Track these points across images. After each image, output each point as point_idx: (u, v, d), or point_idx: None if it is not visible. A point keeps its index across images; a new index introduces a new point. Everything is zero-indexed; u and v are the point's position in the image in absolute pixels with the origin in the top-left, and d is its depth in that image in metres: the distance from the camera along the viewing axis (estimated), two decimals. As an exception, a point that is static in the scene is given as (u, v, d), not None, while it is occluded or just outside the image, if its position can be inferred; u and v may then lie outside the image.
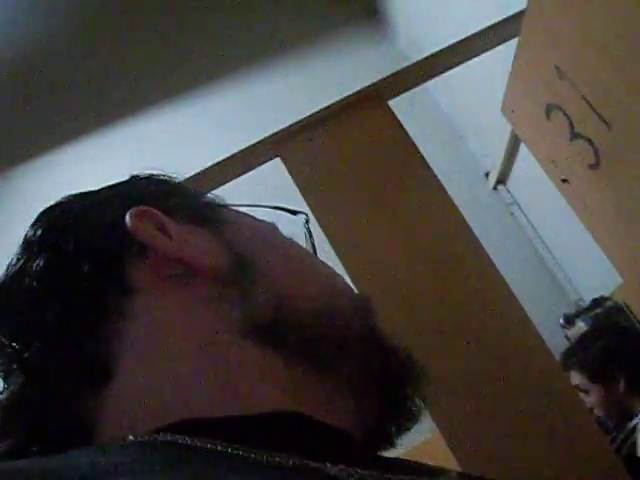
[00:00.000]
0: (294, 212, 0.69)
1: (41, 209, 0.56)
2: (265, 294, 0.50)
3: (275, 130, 1.52)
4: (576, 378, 2.20)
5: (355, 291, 0.59)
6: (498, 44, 1.75)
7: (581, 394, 2.17)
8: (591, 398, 2.16)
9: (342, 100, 1.52)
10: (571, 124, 1.31)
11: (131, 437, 0.39)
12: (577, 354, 2.25)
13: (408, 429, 0.56)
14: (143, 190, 0.56)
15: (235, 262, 0.51)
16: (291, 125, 1.51)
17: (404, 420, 0.54)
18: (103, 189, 0.58)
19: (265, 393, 0.45)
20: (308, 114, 1.52)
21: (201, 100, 3.51)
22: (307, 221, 0.70)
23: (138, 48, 3.41)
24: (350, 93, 1.53)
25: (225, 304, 0.48)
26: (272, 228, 0.61)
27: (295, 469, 0.36)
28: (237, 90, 3.51)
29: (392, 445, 0.55)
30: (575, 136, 1.32)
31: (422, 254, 1.38)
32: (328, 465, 0.37)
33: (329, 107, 1.52)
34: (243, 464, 0.35)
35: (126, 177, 0.60)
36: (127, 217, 0.50)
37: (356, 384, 0.50)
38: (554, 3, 1.24)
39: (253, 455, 0.36)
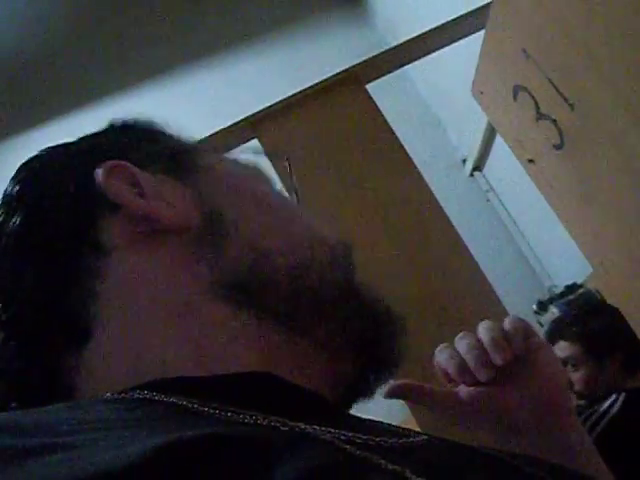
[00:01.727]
0: (276, 158, 0.68)
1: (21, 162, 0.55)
2: (239, 251, 0.48)
3: (253, 111, 1.52)
4: (568, 349, 2.15)
5: (334, 238, 0.55)
6: (476, 31, 1.76)
7: (566, 367, 2.13)
8: (578, 373, 2.12)
9: (321, 82, 1.52)
10: (537, 105, 1.33)
11: (108, 394, 0.39)
12: (575, 325, 2.19)
13: (386, 380, 0.55)
14: (119, 140, 0.54)
15: (208, 217, 0.49)
16: (269, 106, 1.52)
17: (383, 373, 0.53)
18: (82, 140, 0.56)
19: (237, 354, 0.44)
20: (287, 96, 1.52)
21: (180, 80, 3.49)
22: (289, 164, 0.68)
23: (114, 31, 3.38)
24: (329, 76, 1.54)
25: (198, 262, 0.47)
26: (254, 172, 0.58)
27: (263, 428, 0.36)
28: (216, 71, 3.49)
29: (369, 396, 0.54)
30: (540, 117, 1.34)
31: (396, 236, 1.40)
32: (301, 425, 0.37)
33: (308, 89, 1.52)
34: (216, 422, 0.36)
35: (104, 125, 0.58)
36: (98, 174, 0.48)
37: (333, 343, 0.49)
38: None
39: (224, 413, 0.36)
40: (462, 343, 0.64)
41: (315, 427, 0.37)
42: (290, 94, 1.53)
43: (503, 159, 3.14)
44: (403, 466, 0.35)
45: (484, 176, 3.53)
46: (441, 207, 1.48)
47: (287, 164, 0.67)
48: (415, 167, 1.51)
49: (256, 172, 0.58)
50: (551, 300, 2.96)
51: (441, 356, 0.65)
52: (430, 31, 1.64)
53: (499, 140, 3.14)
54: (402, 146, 1.52)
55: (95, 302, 0.46)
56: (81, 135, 0.57)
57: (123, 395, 0.38)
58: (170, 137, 0.57)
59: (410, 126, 2.89)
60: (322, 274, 0.50)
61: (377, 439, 0.40)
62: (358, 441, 0.38)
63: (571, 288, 2.90)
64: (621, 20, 1.03)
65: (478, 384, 0.63)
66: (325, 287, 0.49)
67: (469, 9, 1.74)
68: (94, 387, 0.43)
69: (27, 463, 0.27)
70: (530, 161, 1.47)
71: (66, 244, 0.47)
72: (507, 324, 0.64)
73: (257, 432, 0.35)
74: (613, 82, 1.09)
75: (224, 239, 0.49)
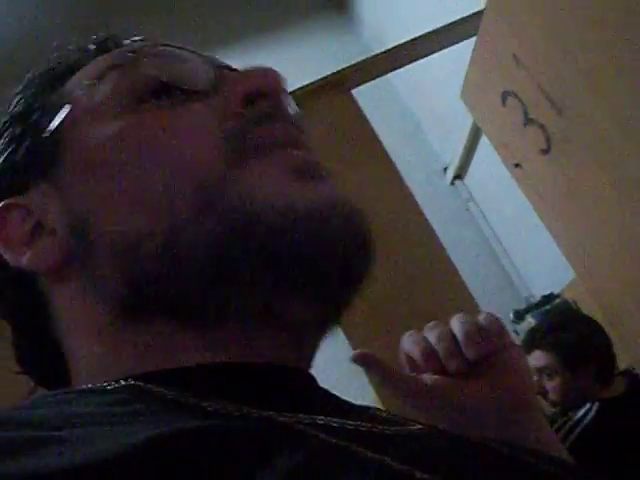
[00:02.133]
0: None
1: None
2: (108, 262, 0.41)
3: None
4: (543, 359, 2.12)
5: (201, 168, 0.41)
6: (460, 41, 1.77)
7: (542, 376, 2.14)
8: (553, 382, 2.13)
9: (307, 86, 1.53)
10: (525, 110, 1.34)
11: (90, 385, 0.39)
12: (550, 335, 2.19)
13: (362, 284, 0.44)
14: None
15: (75, 233, 0.43)
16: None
17: (352, 285, 0.44)
18: None
19: (181, 362, 0.40)
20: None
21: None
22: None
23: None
24: (315, 80, 1.54)
25: (85, 296, 0.42)
26: (117, 89, 0.44)
27: (238, 419, 0.35)
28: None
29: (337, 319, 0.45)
30: (528, 122, 1.35)
31: (376, 241, 1.40)
32: (275, 414, 0.35)
33: (293, 92, 1.52)
34: (193, 414, 0.35)
35: None
36: None
37: (270, 310, 0.40)
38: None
39: (203, 404, 0.35)
40: (434, 332, 0.61)
41: (289, 415, 0.36)
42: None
43: (484, 168, 3.17)
44: (385, 454, 0.33)
45: (465, 185, 3.55)
46: (423, 214, 1.49)
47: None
48: (398, 173, 1.52)
49: (121, 89, 0.44)
50: (528, 310, 2.99)
51: (409, 341, 0.63)
52: (417, 38, 1.65)
53: (481, 149, 3.17)
54: (386, 152, 1.53)
55: (58, 342, 0.46)
56: None
57: (106, 386, 0.38)
58: (32, 131, 0.46)
59: (392, 133, 2.90)
60: (198, 234, 0.39)
61: (357, 424, 0.38)
62: (334, 425, 0.37)
63: (548, 298, 2.93)
64: (610, 28, 1.05)
65: (443, 373, 0.61)
66: (215, 250, 0.39)
67: (454, 18, 1.76)
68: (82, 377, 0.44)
69: (18, 457, 0.27)
70: (517, 165, 1.48)
71: (15, 304, 0.48)
72: (483, 320, 0.62)
73: (233, 425, 0.34)
74: (601, 89, 1.11)
75: (95, 252, 0.41)
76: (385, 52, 1.65)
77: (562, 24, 1.15)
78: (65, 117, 0.45)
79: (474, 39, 1.69)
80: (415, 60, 1.71)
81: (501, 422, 0.59)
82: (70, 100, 0.46)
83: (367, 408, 0.47)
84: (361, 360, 0.62)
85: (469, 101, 1.62)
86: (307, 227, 0.39)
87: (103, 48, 0.49)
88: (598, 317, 1.99)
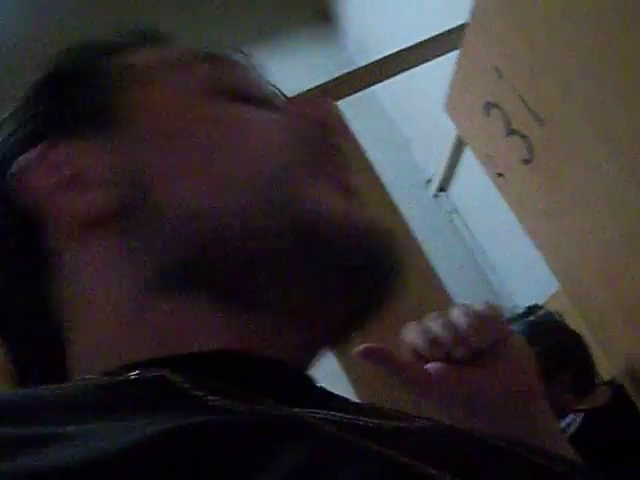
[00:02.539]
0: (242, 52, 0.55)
1: None
2: (171, 231, 0.41)
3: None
4: None
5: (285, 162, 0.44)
6: (443, 53, 1.79)
7: None
8: None
9: (291, 98, 1.53)
10: (508, 121, 1.36)
11: (93, 376, 0.38)
12: (529, 344, 2.21)
13: (389, 302, 0.47)
14: (34, 115, 0.46)
15: (133, 192, 0.42)
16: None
17: (383, 300, 0.46)
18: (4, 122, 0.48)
19: (201, 345, 0.40)
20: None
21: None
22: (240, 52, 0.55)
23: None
24: (299, 92, 1.55)
25: (131, 255, 0.42)
26: (208, 78, 0.47)
27: (245, 414, 0.35)
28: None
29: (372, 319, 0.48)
30: (511, 132, 1.37)
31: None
32: (285, 408, 0.36)
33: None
34: (199, 407, 0.34)
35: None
36: (5, 185, 0.43)
37: (309, 303, 0.43)
38: (497, 8, 1.29)
39: (205, 397, 0.35)
40: (437, 321, 0.61)
41: (300, 410, 0.36)
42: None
43: (468, 181, 3.18)
44: (395, 449, 0.33)
45: (448, 197, 3.56)
46: (407, 226, 1.49)
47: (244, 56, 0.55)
48: (382, 185, 1.52)
49: (212, 80, 0.47)
50: (511, 320, 3.00)
51: (411, 331, 0.63)
52: (401, 51, 1.67)
53: (464, 162, 3.18)
54: (370, 164, 1.53)
55: (55, 309, 0.44)
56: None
57: (109, 378, 0.37)
58: (95, 83, 0.47)
59: (376, 145, 2.91)
60: (270, 224, 0.41)
61: (365, 420, 0.38)
62: (345, 421, 0.37)
63: (532, 309, 2.94)
64: (590, 41, 1.06)
65: (448, 362, 0.61)
66: (277, 241, 0.41)
67: (438, 31, 1.77)
68: (82, 371, 0.42)
69: (20, 457, 0.26)
70: (499, 175, 1.49)
71: (8, 258, 0.45)
72: (485, 309, 0.62)
73: (241, 419, 0.34)
74: (582, 100, 1.12)
75: (154, 218, 0.41)
76: (369, 65, 1.66)
77: (544, 38, 1.16)
78: (133, 85, 0.46)
79: (454, 54, 1.71)
80: (399, 72, 1.72)
81: (509, 412, 0.59)
82: (141, 73, 0.47)
83: (370, 404, 0.48)
84: (369, 356, 0.62)
85: (452, 113, 1.63)
86: (364, 242, 0.44)
87: (151, 38, 0.53)
88: (582, 328, 1.99)
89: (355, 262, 0.43)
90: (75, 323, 0.43)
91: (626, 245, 1.16)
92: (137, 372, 0.37)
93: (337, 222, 0.43)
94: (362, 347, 0.61)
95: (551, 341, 2.21)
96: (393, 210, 1.52)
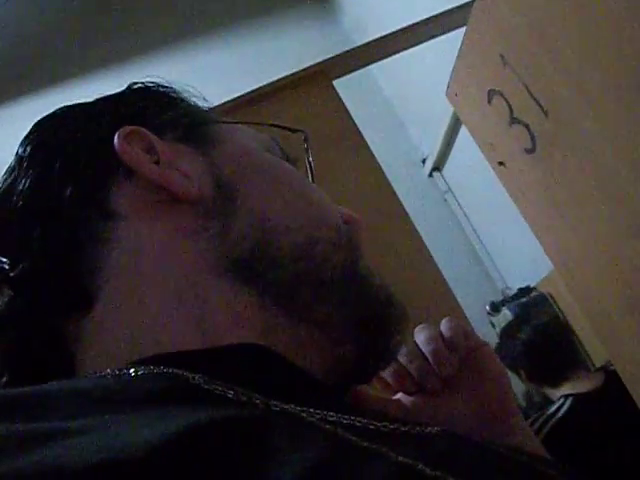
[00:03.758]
0: (293, 130, 0.64)
1: (35, 120, 0.53)
2: (246, 227, 0.47)
3: (218, 103, 1.52)
4: None
5: (342, 218, 0.55)
6: (443, 33, 1.78)
7: None
8: None
9: (289, 76, 1.53)
10: (511, 110, 1.35)
11: (108, 370, 0.39)
12: (501, 352, 2.27)
13: (383, 368, 0.56)
14: (137, 105, 0.53)
15: (219, 190, 0.48)
16: (236, 98, 1.52)
17: (383, 358, 0.53)
18: (98, 101, 0.54)
19: (238, 334, 0.43)
20: (252, 89, 1.53)
21: (146, 70, 3.45)
22: (305, 139, 0.65)
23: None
24: (296, 70, 1.54)
25: (205, 237, 0.46)
26: (268, 144, 0.57)
27: (261, 410, 0.36)
28: (181, 62, 3.46)
29: (365, 382, 0.55)
30: (514, 121, 1.36)
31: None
32: (292, 406, 0.37)
33: (275, 82, 1.52)
34: (215, 402, 0.35)
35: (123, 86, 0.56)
36: (115, 138, 0.47)
37: (333, 327, 0.48)
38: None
39: (224, 392, 0.36)
40: (402, 352, 0.61)
41: (316, 412, 0.37)
42: (256, 87, 1.53)
43: (463, 161, 3.19)
44: (415, 458, 0.33)
45: (443, 177, 3.57)
46: (402, 205, 1.50)
47: (304, 140, 0.65)
48: (378, 165, 1.53)
49: (270, 146, 0.57)
50: (504, 302, 3.02)
51: None
52: (398, 31, 1.66)
53: (459, 142, 3.18)
54: (365, 143, 1.53)
55: (101, 271, 0.45)
56: (97, 96, 0.55)
57: (123, 371, 0.38)
58: (189, 105, 0.56)
59: (372, 124, 2.90)
60: (326, 256, 0.49)
61: (384, 424, 0.39)
62: (358, 425, 0.38)
63: (524, 291, 2.96)
64: (595, 31, 1.06)
65: (419, 392, 0.60)
66: (328, 269, 0.49)
67: (436, 11, 1.76)
68: (92, 358, 0.43)
69: (36, 451, 0.26)
70: (500, 163, 1.49)
71: (75, 208, 0.46)
72: (446, 330, 0.62)
73: (255, 416, 0.35)
74: (585, 90, 1.12)
75: (233, 213, 0.48)
76: (366, 44, 1.66)
77: (546, 25, 1.16)
78: (223, 123, 0.56)
79: (454, 33, 1.70)
80: (396, 53, 1.72)
81: (486, 431, 0.58)
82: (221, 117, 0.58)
83: (380, 410, 0.50)
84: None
85: (454, 99, 1.62)
86: (386, 308, 0.53)
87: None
88: (575, 311, 2.01)
89: (375, 315, 0.51)
90: (109, 289, 0.44)
91: (626, 236, 1.17)
92: (151, 367, 0.38)
93: (378, 287, 0.53)
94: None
95: (537, 323, 2.27)
96: (388, 188, 1.53)
